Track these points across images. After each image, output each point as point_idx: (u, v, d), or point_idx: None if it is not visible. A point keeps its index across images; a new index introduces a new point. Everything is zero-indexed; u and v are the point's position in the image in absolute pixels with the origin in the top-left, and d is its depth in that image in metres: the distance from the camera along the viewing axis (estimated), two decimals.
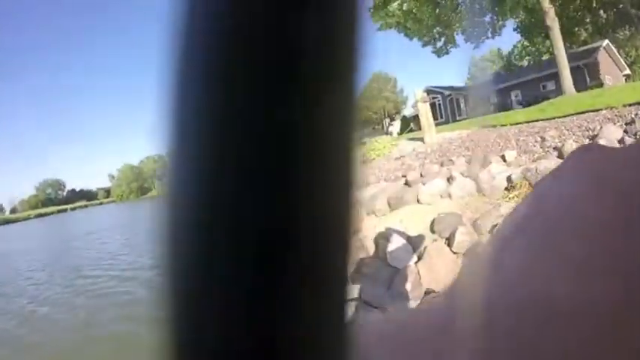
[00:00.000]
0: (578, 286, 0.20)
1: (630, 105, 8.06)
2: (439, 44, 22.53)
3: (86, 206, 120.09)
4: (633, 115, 6.76)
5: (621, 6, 26.59)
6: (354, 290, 5.56)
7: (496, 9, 20.81)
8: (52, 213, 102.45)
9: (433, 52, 23.05)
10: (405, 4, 18.34)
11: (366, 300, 5.19)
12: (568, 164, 0.30)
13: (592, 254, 0.20)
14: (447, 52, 22.81)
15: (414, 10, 18.98)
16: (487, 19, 21.84)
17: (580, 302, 0.19)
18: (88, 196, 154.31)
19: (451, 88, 37.90)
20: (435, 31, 21.54)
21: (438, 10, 19.77)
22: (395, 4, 18.46)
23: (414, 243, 5.62)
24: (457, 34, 21.99)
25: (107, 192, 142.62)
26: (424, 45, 22.73)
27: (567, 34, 23.42)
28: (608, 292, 0.19)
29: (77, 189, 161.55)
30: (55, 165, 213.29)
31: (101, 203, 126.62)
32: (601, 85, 25.53)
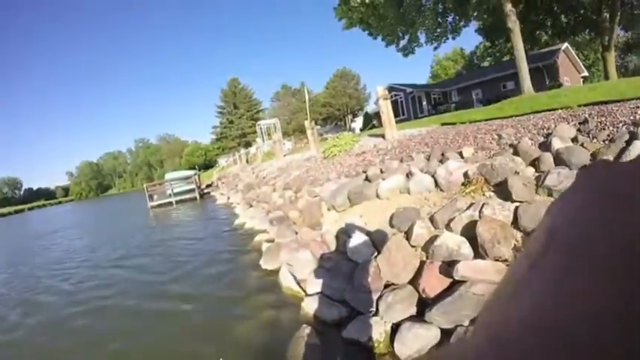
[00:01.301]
0: (594, 327, 0.21)
1: (585, 105, 8.56)
2: (403, 43, 22.92)
3: (44, 205, 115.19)
4: (587, 115, 7.19)
5: (582, 11, 27.81)
6: (316, 285, 5.73)
7: (459, 10, 21.37)
8: (8, 213, 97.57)
9: (398, 50, 23.43)
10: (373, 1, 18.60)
11: (327, 294, 5.35)
12: (578, 185, 0.33)
13: (602, 294, 0.22)
14: (413, 52, 23.27)
15: (377, 6, 19.25)
16: (450, 19, 22.40)
17: (594, 343, 0.21)
18: (46, 194, 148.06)
19: (413, 85, 38.69)
20: (398, 29, 21.91)
21: (402, 9, 20.12)
22: (359, 1, 18.72)
23: (374, 237, 5.82)
24: (420, 34, 22.40)
25: (65, 190, 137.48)
26: (388, 44, 23.08)
27: (529, 37, 24.43)
28: (620, 334, 0.20)
29: (34, 188, 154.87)
30: (11, 163, 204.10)
31: (60, 202, 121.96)
32: (559, 85, 26.75)
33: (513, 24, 17.92)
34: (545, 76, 28.21)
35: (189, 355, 4.91)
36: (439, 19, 21.80)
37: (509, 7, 17.77)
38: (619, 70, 31.37)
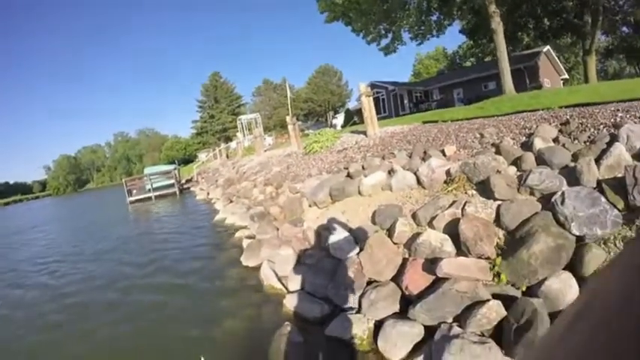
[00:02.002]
0: None
1: (566, 107, 8.66)
2: (385, 42, 22.93)
3: (21, 200, 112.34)
4: (568, 117, 7.27)
5: (565, 15, 28.25)
6: (298, 282, 5.70)
7: (444, 9, 21.46)
8: None
9: (380, 49, 23.42)
10: None
11: (309, 291, 5.33)
12: (621, 260, 0.33)
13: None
14: (395, 51, 23.29)
15: (359, 2, 19.21)
16: (434, 18, 22.48)
17: None
18: (22, 189, 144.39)
19: (395, 83, 38.76)
20: (381, 27, 21.90)
21: (386, 7, 20.12)
22: None
23: (356, 234, 5.81)
24: (404, 31, 22.43)
25: (43, 184, 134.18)
26: (370, 42, 23.05)
27: (511, 38, 24.73)
28: None
29: (11, 182, 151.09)
30: None
31: (37, 197, 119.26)
32: (540, 87, 27.15)
33: (497, 25, 18.07)
34: (526, 77, 28.54)
35: (169, 353, 4.83)
36: (423, 18, 21.87)
37: (493, 8, 17.91)
38: (598, 73, 32.04)
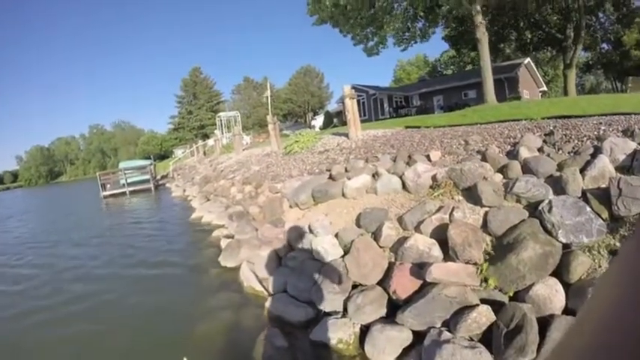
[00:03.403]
0: None
1: (548, 118, 8.80)
2: (370, 44, 23.00)
3: None
4: (552, 128, 7.38)
5: (547, 29, 28.85)
6: (280, 285, 5.62)
7: (430, 16, 21.65)
8: None
9: (364, 51, 23.51)
10: (341, 0, 18.56)
11: (292, 294, 5.24)
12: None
13: None
14: (378, 53, 23.37)
15: (347, 7, 19.24)
16: (419, 25, 22.66)
17: None
18: None
19: (376, 87, 39.03)
20: (368, 30, 22.00)
21: (372, 11, 20.20)
22: (328, 1, 18.70)
23: (341, 237, 5.76)
24: (389, 36, 22.55)
25: (14, 175, 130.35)
26: (356, 44, 23.14)
27: (493, 49, 25.07)
28: None
29: None
30: None
31: (8, 188, 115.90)
32: (519, 98, 27.65)
33: (482, 35, 18.29)
34: (506, 87, 29.00)
35: (145, 356, 4.69)
36: (409, 24, 22.02)
37: (480, 19, 18.14)
38: (576, 87, 32.82)
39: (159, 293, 6.79)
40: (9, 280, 8.91)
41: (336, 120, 36.56)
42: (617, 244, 4.08)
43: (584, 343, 0.30)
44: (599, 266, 3.94)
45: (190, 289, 6.79)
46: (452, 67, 58.36)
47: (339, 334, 4.17)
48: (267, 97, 24.61)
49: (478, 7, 18.10)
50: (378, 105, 36.94)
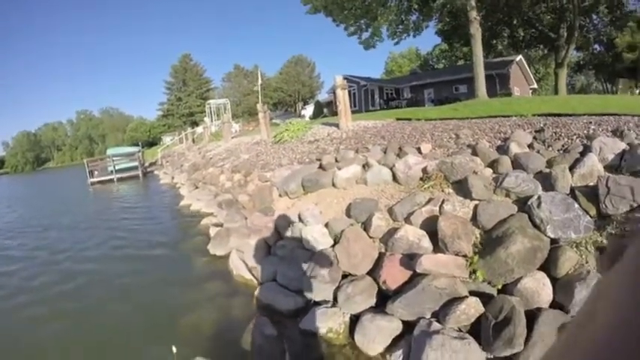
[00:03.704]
0: None
1: (539, 115, 8.88)
2: (365, 35, 22.90)
3: None
4: (542, 125, 7.45)
5: (540, 27, 28.94)
6: (270, 273, 5.62)
7: (424, 10, 21.60)
8: None
9: (360, 43, 23.38)
10: None
11: (282, 283, 5.25)
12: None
13: None
14: (374, 46, 23.28)
15: None
16: (413, 18, 22.61)
17: None
18: None
19: (367, 78, 38.98)
20: (362, 22, 21.87)
21: (367, 2, 20.09)
22: None
23: (331, 227, 5.77)
24: (382, 28, 22.46)
25: (1, 162, 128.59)
26: (350, 34, 23.00)
27: (485, 44, 25.09)
28: None
29: None
30: None
31: None
32: (509, 94, 27.81)
33: (476, 30, 18.31)
34: (497, 83, 29.14)
35: (134, 344, 4.68)
36: (402, 17, 21.96)
37: (474, 14, 18.14)
38: (567, 87, 33.11)
39: (147, 279, 6.78)
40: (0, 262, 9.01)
41: (326, 110, 36.55)
42: (605, 241, 4.15)
43: (588, 342, 0.31)
44: (586, 262, 4.01)
45: (179, 276, 6.77)
46: (443, 60, 58.44)
47: (329, 323, 4.20)
48: (259, 86, 24.40)
49: (473, 3, 18.10)
50: (369, 96, 36.92)
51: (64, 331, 5.24)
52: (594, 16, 28.42)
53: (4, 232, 13.15)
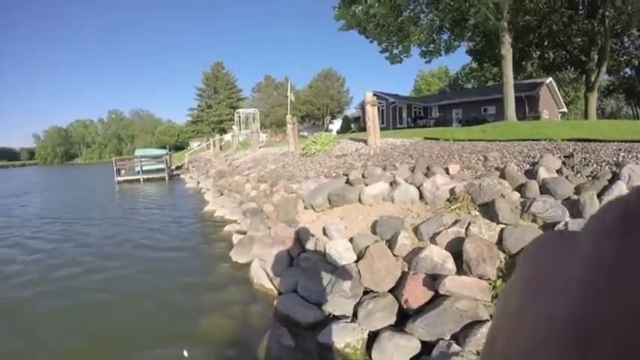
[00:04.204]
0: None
1: (568, 140, 8.78)
2: (395, 52, 22.95)
3: (6, 166, 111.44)
4: (572, 150, 7.36)
5: (572, 50, 28.64)
6: (291, 284, 5.65)
7: (456, 30, 21.59)
8: None
9: (387, 58, 23.45)
10: (372, 9, 18.55)
11: (302, 295, 5.28)
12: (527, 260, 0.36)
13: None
14: (400, 61, 23.30)
15: (376, 16, 19.22)
16: (445, 37, 22.64)
17: None
18: (9, 155, 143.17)
19: (396, 96, 39.01)
20: (394, 38, 21.96)
21: (400, 19, 20.17)
22: (360, 8, 18.66)
23: (355, 242, 5.79)
24: (414, 46, 22.51)
25: (31, 153, 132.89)
26: (382, 51, 23.08)
27: (515, 65, 24.93)
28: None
29: None
30: None
31: (24, 164, 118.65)
32: (538, 117, 27.45)
33: (507, 52, 18.22)
34: (526, 105, 28.84)
35: (149, 344, 4.71)
36: (434, 35, 22.00)
37: (505, 35, 18.08)
38: (597, 111, 32.59)
39: (167, 280, 6.88)
40: (28, 250, 9.43)
41: (353, 125, 36.67)
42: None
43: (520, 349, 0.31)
44: None
45: (199, 279, 6.83)
46: (472, 80, 58.20)
47: (347, 338, 4.20)
48: (289, 99, 24.60)
49: (505, 24, 18.04)
50: (397, 114, 36.91)
51: (76, 325, 5.34)
52: (625, 39, 28.03)
53: (32, 221, 13.69)
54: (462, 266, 4.53)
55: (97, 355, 4.62)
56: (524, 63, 33.06)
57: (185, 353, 4.16)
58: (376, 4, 17.72)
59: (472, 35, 23.93)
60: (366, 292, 4.83)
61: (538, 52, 31.33)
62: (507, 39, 18.17)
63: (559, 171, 6.52)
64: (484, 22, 19.40)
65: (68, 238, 10.56)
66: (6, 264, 8.35)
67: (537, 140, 9.43)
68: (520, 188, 6.08)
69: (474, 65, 44.32)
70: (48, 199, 21.53)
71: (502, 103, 19.17)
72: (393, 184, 7.45)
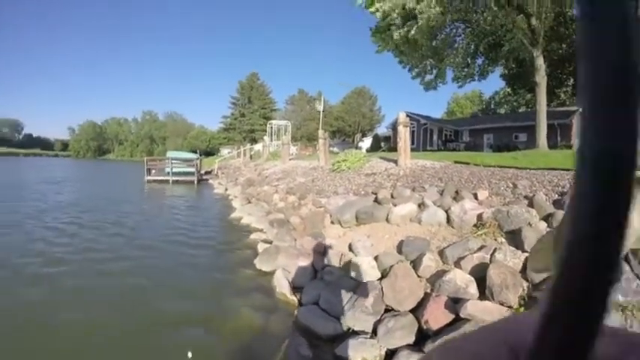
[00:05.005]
0: None
1: None
2: (428, 77, 23.00)
3: (40, 155, 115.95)
4: None
5: None
6: (313, 296, 5.73)
7: (490, 54, 21.55)
8: (2, 154, 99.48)
9: (421, 84, 23.46)
10: (410, 34, 18.67)
11: (323, 307, 5.36)
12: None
13: None
14: (435, 88, 23.37)
15: (414, 39, 19.33)
16: (479, 61, 22.61)
17: None
18: (43, 144, 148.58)
19: (427, 117, 38.87)
20: (427, 62, 22.00)
21: (434, 43, 20.24)
22: (397, 33, 18.79)
23: (380, 260, 5.86)
24: (448, 70, 22.55)
25: (65, 145, 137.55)
26: (414, 77, 23.11)
27: (549, 92, 24.65)
28: None
29: (34, 135, 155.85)
30: (13, 104, 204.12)
31: (57, 155, 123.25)
32: (570, 146, 26.96)
33: (541, 79, 18.03)
34: (558, 134, 28.35)
35: (161, 343, 4.77)
36: (468, 60, 22.00)
37: (540, 61, 17.91)
38: None
39: (189, 281, 7.06)
40: (64, 235, 10.17)
41: (383, 144, 36.58)
42: None
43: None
44: (631, 326, 3.92)
45: (222, 284, 6.94)
46: (505, 105, 57.57)
47: (365, 353, 4.26)
48: (320, 112, 24.86)
49: (540, 51, 17.92)
50: (428, 135, 36.74)
51: (94, 315, 5.49)
52: None
53: (67, 208, 14.67)
54: (484, 292, 4.56)
55: (108, 345, 4.75)
56: (558, 90, 32.66)
57: (189, 354, 4.26)
58: (414, 29, 17.78)
59: (507, 61, 23.81)
60: (387, 310, 4.89)
61: (572, 80, 30.94)
62: (542, 66, 18.01)
63: None
64: (519, 47, 19.30)
65: (101, 227, 11.18)
66: (48, 245, 9.06)
67: (568, 170, 9.34)
68: (547, 218, 6.06)
69: (509, 90, 43.95)
70: (79, 189, 22.88)
71: (534, 131, 18.91)
72: (422, 205, 7.51)
